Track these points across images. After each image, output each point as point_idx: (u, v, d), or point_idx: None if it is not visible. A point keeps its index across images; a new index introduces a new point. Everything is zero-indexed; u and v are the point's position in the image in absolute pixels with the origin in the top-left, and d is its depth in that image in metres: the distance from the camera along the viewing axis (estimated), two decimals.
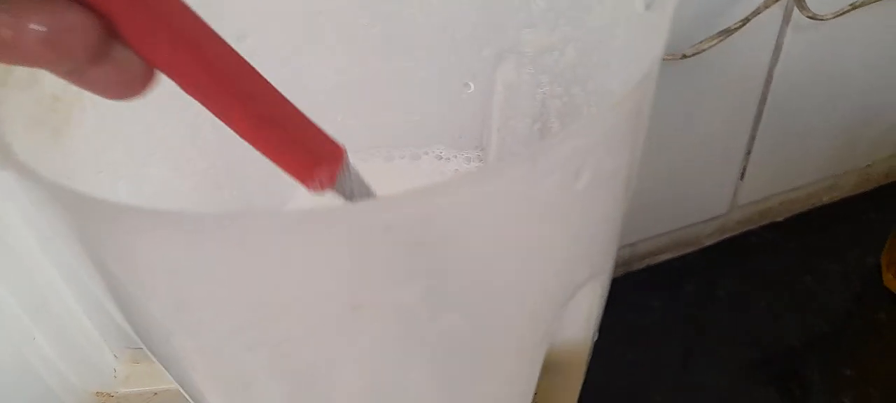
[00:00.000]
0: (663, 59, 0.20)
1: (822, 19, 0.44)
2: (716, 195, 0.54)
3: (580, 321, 0.22)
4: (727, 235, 0.57)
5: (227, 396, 0.19)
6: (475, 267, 0.16)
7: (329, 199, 0.18)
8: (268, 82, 0.17)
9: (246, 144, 0.17)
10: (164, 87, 0.16)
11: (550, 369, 0.23)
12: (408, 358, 0.18)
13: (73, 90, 0.17)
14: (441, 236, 0.15)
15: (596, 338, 0.27)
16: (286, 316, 0.15)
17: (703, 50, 0.41)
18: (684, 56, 0.41)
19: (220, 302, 0.15)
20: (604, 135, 0.16)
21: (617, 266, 0.55)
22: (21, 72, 0.18)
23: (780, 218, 0.58)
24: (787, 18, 0.44)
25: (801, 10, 0.43)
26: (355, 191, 0.19)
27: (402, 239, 0.14)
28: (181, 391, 0.26)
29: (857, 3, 0.45)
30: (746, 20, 0.41)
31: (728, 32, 0.41)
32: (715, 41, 0.41)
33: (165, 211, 0.13)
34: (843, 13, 0.45)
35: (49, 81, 0.18)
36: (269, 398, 0.18)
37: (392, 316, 0.16)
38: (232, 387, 0.18)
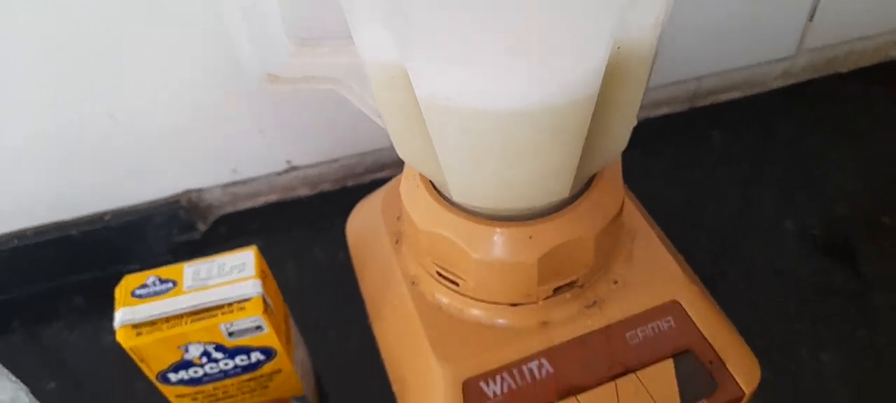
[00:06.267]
0: None
1: None
2: (784, 34, 0.56)
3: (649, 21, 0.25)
4: (792, 81, 0.60)
5: None
6: None
7: None
8: None
9: None
10: None
11: (615, 73, 0.26)
12: None
13: None
14: None
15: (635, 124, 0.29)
16: None
17: None
18: None
19: None
20: None
21: (681, 101, 0.59)
22: None
23: (844, 70, 0.61)
24: None
25: None
26: None
27: None
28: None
29: None
30: None
31: None
32: None
33: None
34: None
35: None
36: None
37: None
38: None
